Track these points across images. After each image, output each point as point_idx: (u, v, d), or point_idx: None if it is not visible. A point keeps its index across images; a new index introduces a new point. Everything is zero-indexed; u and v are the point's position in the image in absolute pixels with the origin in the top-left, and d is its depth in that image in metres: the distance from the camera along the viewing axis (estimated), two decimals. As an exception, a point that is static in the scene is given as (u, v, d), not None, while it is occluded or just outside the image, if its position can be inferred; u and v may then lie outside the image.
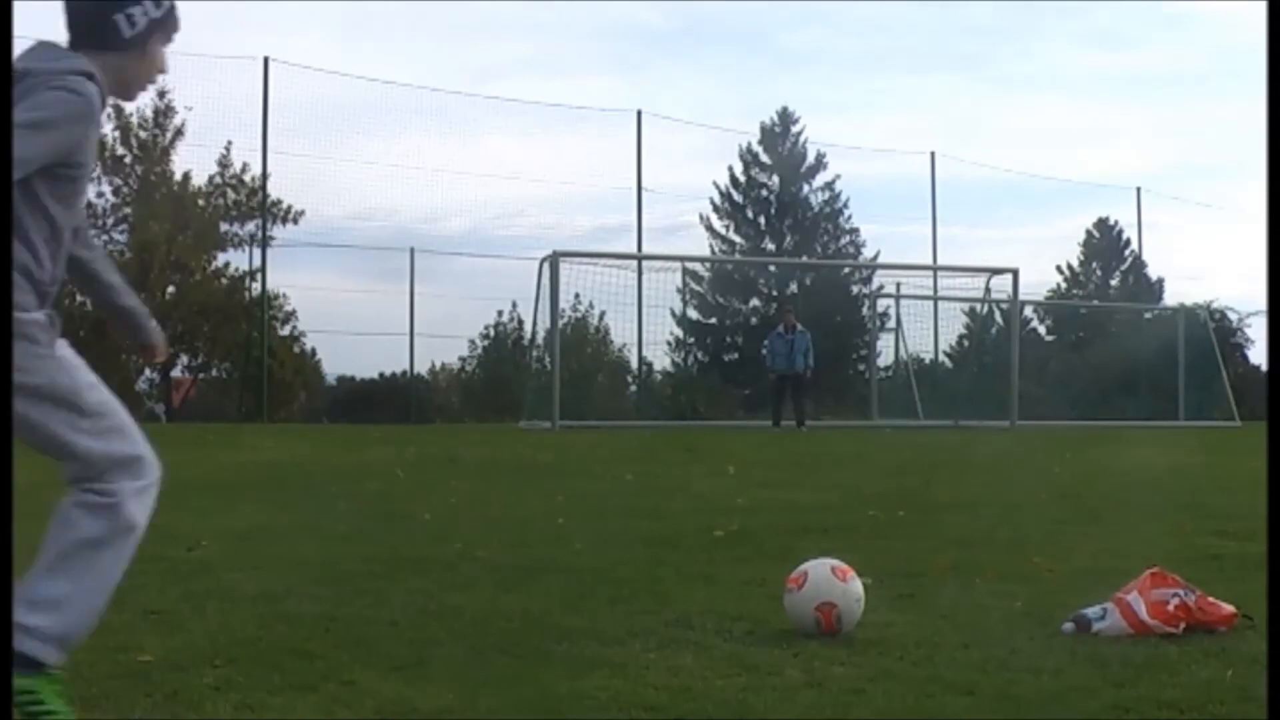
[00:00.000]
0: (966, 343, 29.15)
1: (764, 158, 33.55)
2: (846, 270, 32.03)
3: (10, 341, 2.97)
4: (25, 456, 3.11)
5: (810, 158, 33.41)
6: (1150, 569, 4.41)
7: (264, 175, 24.73)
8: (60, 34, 3.13)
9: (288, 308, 27.66)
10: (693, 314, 31.25)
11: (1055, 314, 36.06)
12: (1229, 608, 4.35)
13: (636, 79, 50.25)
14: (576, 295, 24.92)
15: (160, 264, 27.18)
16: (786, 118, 33.73)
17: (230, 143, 26.07)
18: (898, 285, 27.98)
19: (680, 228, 41.00)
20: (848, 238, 33.60)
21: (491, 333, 27.79)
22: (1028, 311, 32.72)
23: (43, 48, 3.11)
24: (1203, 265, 48.62)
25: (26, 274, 3.03)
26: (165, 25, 3.24)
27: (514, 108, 32.33)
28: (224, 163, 26.75)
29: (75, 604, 3.15)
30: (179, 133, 26.88)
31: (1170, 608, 4.23)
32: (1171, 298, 34.31)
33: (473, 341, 28.08)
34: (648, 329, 25.80)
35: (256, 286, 25.84)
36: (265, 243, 25.24)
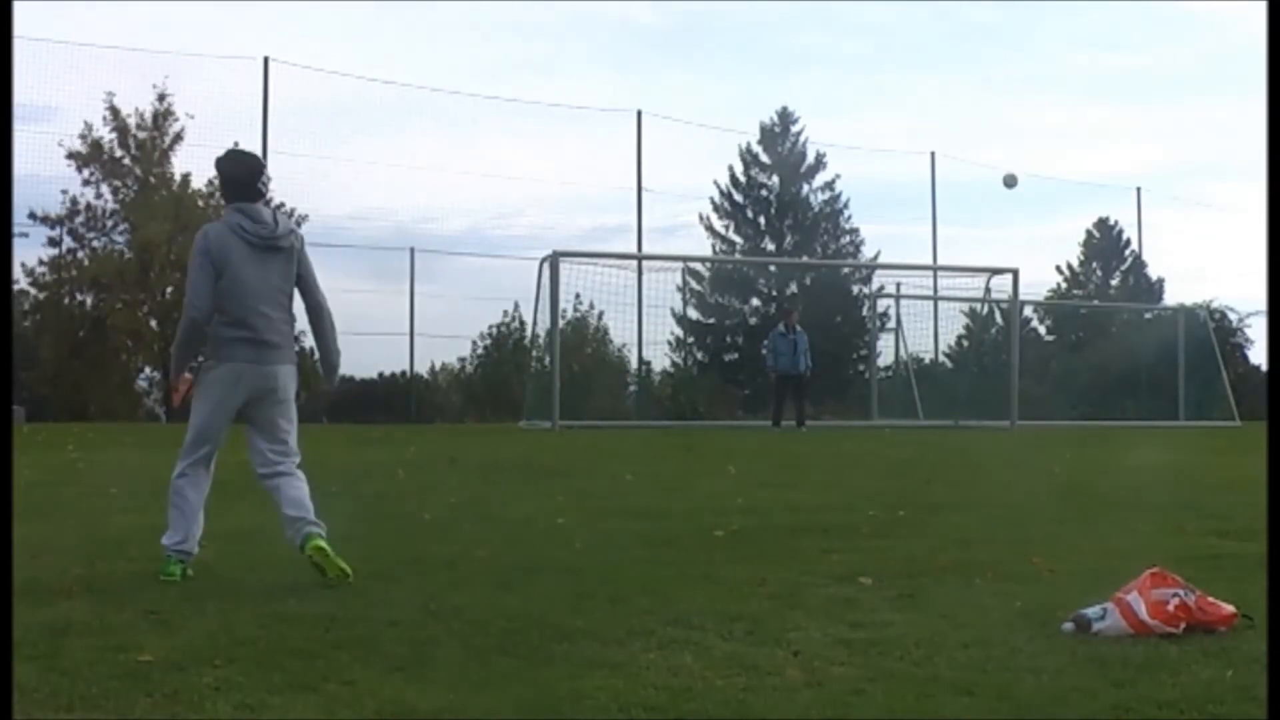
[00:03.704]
0: (966, 343, 29.14)
1: (764, 158, 33.53)
2: (846, 270, 32.01)
3: (10, 344, 3.01)
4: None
5: (810, 158, 33.39)
6: (1150, 569, 4.41)
7: (264, 176, 24.69)
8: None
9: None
10: (693, 314, 31.23)
11: (1055, 314, 36.04)
12: (1229, 608, 4.35)
13: (636, 79, 50.30)
14: (577, 295, 24.91)
15: (160, 264, 27.19)
16: (786, 118, 33.73)
17: (237, 144, 26.10)
18: (898, 285, 27.95)
19: (680, 228, 41.04)
20: (848, 238, 33.57)
21: (494, 333, 27.79)
22: (1028, 311, 32.70)
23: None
24: (1203, 265, 48.48)
25: None
26: None
27: (514, 108, 32.42)
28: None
29: None
30: (178, 137, 26.88)
31: (1170, 608, 4.23)
32: (1171, 298, 34.35)
33: (474, 342, 28.09)
34: (648, 329, 25.78)
35: (256, 286, 25.78)
36: (265, 243, 25.19)
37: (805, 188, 33.43)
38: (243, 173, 5.70)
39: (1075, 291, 38.63)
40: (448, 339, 27.78)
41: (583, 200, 40.08)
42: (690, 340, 30.78)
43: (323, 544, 5.39)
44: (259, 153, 24.08)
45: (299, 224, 26.19)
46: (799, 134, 33.63)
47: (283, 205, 25.90)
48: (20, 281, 25.70)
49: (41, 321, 26.74)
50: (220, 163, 5.80)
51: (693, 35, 52.67)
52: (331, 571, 5.33)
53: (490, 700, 3.48)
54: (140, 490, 8.07)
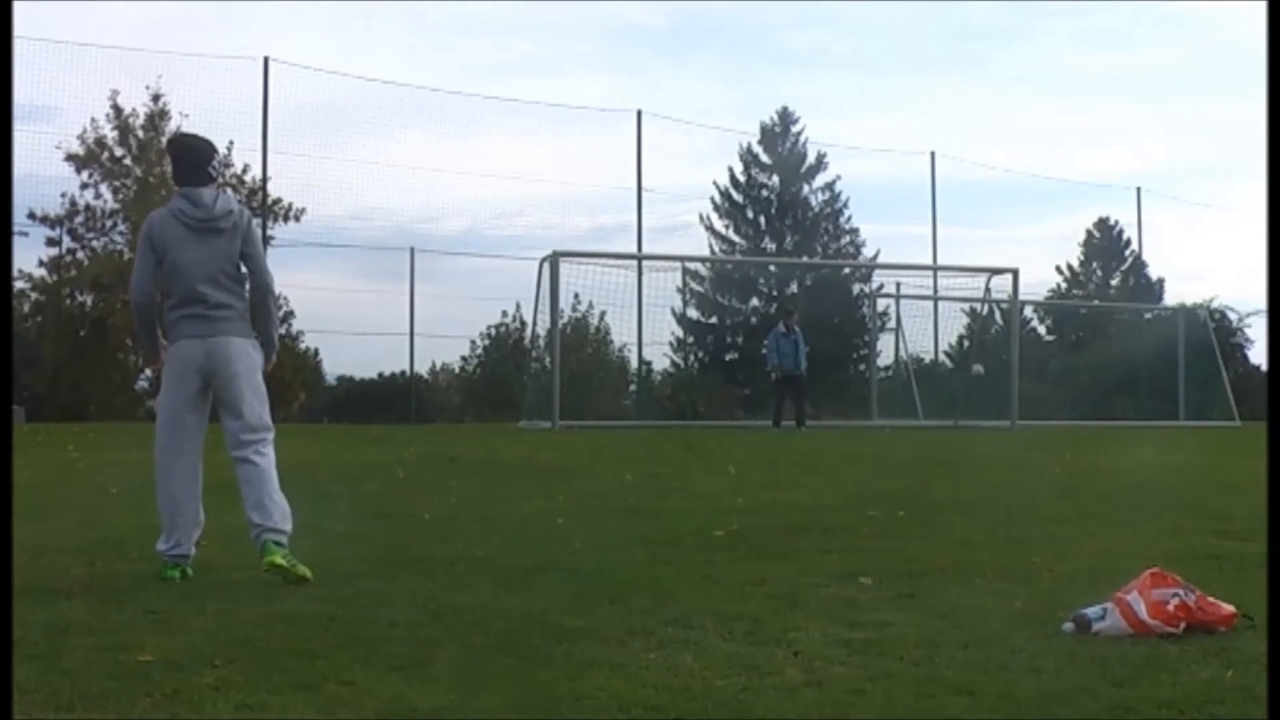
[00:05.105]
0: (966, 343, 29.14)
1: (764, 158, 33.51)
2: (846, 270, 32.00)
3: (10, 347, 3.03)
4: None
5: (810, 158, 33.36)
6: (1150, 569, 4.41)
7: (264, 175, 24.72)
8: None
9: (287, 308, 27.67)
10: (693, 314, 31.23)
11: (1055, 314, 36.02)
12: (1229, 608, 4.35)
13: (636, 79, 50.23)
14: (576, 295, 24.91)
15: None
16: (786, 118, 33.71)
17: (232, 143, 26.13)
18: (898, 285, 27.96)
19: (680, 228, 40.96)
20: (848, 238, 33.54)
21: (494, 333, 27.77)
22: (1028, 311, 32.69)
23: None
24: (1203, 265, 48.45)
25: None
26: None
27: (514, 108, 32.34)
28: (226, 163, 26.73)
29: None
30: (176, 136, 26.86)
31: (1170, 608, 4.23)
32: (1171, 298, 34.30)
33: (473, 342, 28.09)
34: (648, 329, 25.77)
35: (256, 286, 25.78)
36: (265, 243, 25.19)
37: (805, 188, 33.42)
38: (191, 157, 5.69)
39: (1075, 291, 38.59)
40: (448, 339, 27.78)
41: (583, 200, 39.97)
42: (690, 340, 30.79)
43: (279, 559, 5.32)
44: (259, 152, 24.24)
45: (296, 219, 26.26)
46: (799, 134, 33.62)
47: (280, 201, 25.96)
48: (20, 283, 25.71)
49: (41, 322, 26.73)
50: (171, 146, 5.94)
51: (693, 35, 52.63)
52: (293, 575, 5.30)
53: (490, 700, 3.48)
54: (140, 490, 8.04)
